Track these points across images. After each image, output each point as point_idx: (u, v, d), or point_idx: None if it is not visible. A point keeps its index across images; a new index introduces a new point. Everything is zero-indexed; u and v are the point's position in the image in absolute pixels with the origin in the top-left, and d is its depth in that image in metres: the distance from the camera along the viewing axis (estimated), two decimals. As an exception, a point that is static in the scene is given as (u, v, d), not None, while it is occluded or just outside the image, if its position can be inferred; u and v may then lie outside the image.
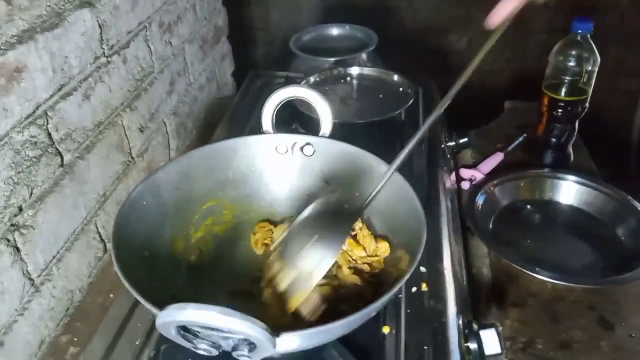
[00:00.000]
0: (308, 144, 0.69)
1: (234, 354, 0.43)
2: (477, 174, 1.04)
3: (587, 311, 0.80)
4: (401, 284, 0.47)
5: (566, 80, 0.98)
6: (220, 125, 1.04)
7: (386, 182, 0.61)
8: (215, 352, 0.44)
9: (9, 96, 0.63)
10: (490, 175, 1.04)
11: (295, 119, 0.92)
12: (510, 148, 1.11)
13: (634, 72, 1.67)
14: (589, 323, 0.78)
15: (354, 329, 0.50)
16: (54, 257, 0.74)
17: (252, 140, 0.69)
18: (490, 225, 0.95)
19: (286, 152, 0.70)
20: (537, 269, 0.82)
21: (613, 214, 0.94)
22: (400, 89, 0.98)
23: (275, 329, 0.40)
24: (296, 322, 0.54)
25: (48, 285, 0.72)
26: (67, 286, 0.77)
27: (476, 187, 1.00)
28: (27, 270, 0.68)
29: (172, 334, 0.41)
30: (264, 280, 0.59)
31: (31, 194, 0.69)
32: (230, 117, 1.06)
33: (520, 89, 1.50)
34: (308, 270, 0.55)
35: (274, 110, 0.68)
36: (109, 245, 0.87)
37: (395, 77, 1.00)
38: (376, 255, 0.62)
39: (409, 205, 0.57)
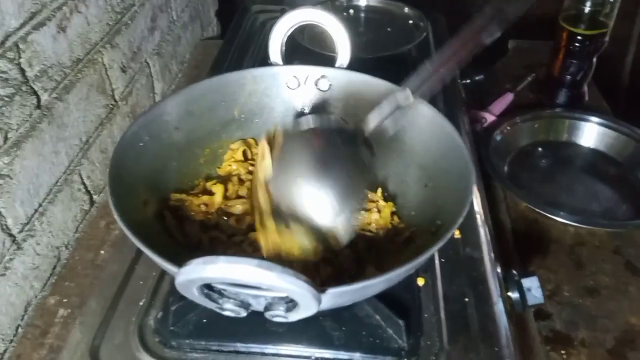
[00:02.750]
0: (323, 76, 0.60)
1: (267, 314, 0.37)
2: (488, 116, 0.98)
3: (612, 256, 0.76)
4: (457, 225, 0.41)
5: (586, 12, 0.91)
6: (211, 65, 0.94)
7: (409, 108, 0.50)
8: (243, 313, 0.37)
9: (-29, 21, 0.54)
10: (502, 117, 0.98)
11: (297, 57, 0.83)
12: (519, 88, 1.05)
13: (625, 15, 1.60)
14: (615, 268, 0.74)
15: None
16: (35, 210, 0.66)
17: (259, 73, 0.61)
18: (505, 169, 0.90)
19: (298, 86, 0.62)
20: (561, 212, 0.77)
21: (633, 156, 0.89)
22: (410, 21, 0.90)
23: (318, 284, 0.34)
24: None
25: (31, 242, 0.65)
26: (52, 242, 0.69)
27: (488, 129, 0.94)
28: (6, 225, 0.61)
29: (195, 294, 0.35)
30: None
31: (6, 138, 0.60)
32: (221, 56, 0.97)
33: (523, 28, 1.42)
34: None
35: (283, 38, 0.59)
36: (96, 198, 0.80)
37: (406, 10, 0.91)
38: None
39: (449, 145, 0.50)
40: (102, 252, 0.73)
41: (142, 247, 0.37)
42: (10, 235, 0.62)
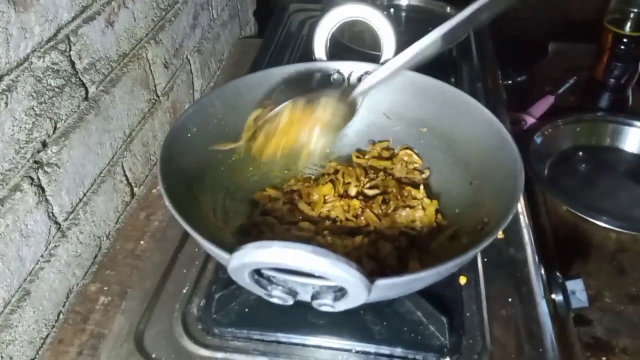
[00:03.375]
0: (367, 72, 0.60)
1: (315, 303, 0.37)
2: (528, 118, 0.97)
3: (656, 263, 0.73)
4: (507, 221, 0.40)
5: (632, 13, 0.89)
6: (251, 64, 0.95)
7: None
8: (290, 301, 0.37)
9: (27, 13, 0.56)
10: (542, 120, 0.96)
11: (337, 55, 0.83)
12: (560, 91, 1.03)
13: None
14: (660, 276, 0.72)
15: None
16: (80, 199, 0.67)
17: (303, 68, 0.61)
18: (546, 172, 0.88)
19: (342, 82, 0.62)
20: (604, 217, 0.76)
21: (680, 162, 0.87)
22: (451, 21, 0.89)
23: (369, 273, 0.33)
24: None
25: (75, 230, 0.67)
26: (94, 232, 0.71)
27: (528, 132, 0.93)
28: (52, 213, 0.62)
29: (246, 280, 0.35)
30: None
31: (55, 128, 0.62)
32: (260, 55, 0.97)
33: (563, 31, 1.40)
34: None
35: (329, 34, 0.59)
36: (137, 190, 0.81)
37: (448, 9, 0.90)
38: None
39: (497, 143, 0.49)
40: (142, 242, 0.74)
41: (194, 234, 0.38)
42: (56, 222, 0.63)
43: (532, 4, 1.55)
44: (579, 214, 0.78)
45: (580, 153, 0.92)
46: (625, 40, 0.91)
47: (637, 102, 1.01)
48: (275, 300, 0.37)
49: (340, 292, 0.35)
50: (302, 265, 0.31)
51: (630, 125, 0.91)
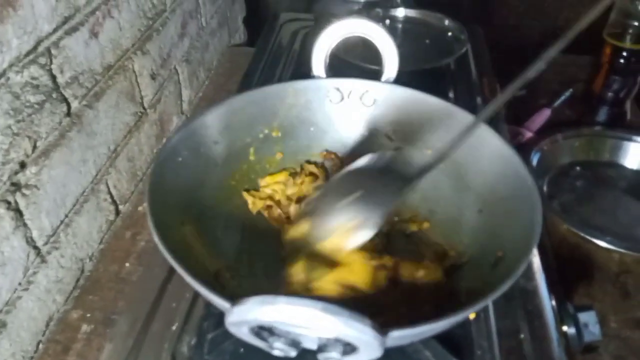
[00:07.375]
0: (368, 91, 0.57)
1: (320, 356, 0.34)
2: (525, 132, 0.95)
3: (661, 286, 0.71)
4: (527, 259, 0.37)
5: (633, 26, 0.87)
6: (243, 76, 0.92)
7: (464, 138, 0.47)
8: (293, 353, 0.34)
9: (4, 25, 0.52)
10: (538, 133, 0.94)
11: (333, 69, 0.79)
12: (557, 104, 1.02)
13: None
14: (666, 299, 0.70)
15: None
16: (61, 221, 0.63)
17: (301, 86, 0.58)
18: (545, 189, 0.86)
19: (341, 100, 0.58)
20: (607, 238, 0.74)
21: (683, 179, 0.85)
22: (449, 34, 0.86)
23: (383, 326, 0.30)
24: None
25: (55, 254, 0.63)
26: (77, 254, 0.67)
27: (525, 146, 0.90)
28: (31, 238, 0.58)
29: (246, 334, 0.31)
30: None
31: (34, 147, 0.58)
32: (252, 67, 0.94)
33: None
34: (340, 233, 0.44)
35: (328, 51, 0.56)
36: (122, 208, 0.77)
37: (446, 22, 0.87)
38: None
39: (507, 169, 0.46)
40: (127, 264, 0.70)
41: (190, 280, 0.34)
42: (35, 247, 0.59)
43: (529, 17, 1.55)
44: (580, 234, 0.76)
45: (578, 168, 0.90)
46: (624, 53, 0.89)
47: (635, 116, 0.99)
48: (276, 353, 0.34)
49: (349, 347, 0.32)
50: (311, 324, 0.28)
51: (630, 140, 0.89)
